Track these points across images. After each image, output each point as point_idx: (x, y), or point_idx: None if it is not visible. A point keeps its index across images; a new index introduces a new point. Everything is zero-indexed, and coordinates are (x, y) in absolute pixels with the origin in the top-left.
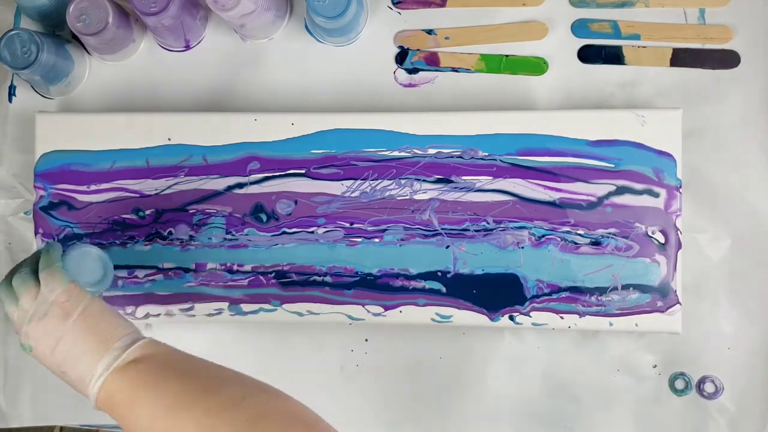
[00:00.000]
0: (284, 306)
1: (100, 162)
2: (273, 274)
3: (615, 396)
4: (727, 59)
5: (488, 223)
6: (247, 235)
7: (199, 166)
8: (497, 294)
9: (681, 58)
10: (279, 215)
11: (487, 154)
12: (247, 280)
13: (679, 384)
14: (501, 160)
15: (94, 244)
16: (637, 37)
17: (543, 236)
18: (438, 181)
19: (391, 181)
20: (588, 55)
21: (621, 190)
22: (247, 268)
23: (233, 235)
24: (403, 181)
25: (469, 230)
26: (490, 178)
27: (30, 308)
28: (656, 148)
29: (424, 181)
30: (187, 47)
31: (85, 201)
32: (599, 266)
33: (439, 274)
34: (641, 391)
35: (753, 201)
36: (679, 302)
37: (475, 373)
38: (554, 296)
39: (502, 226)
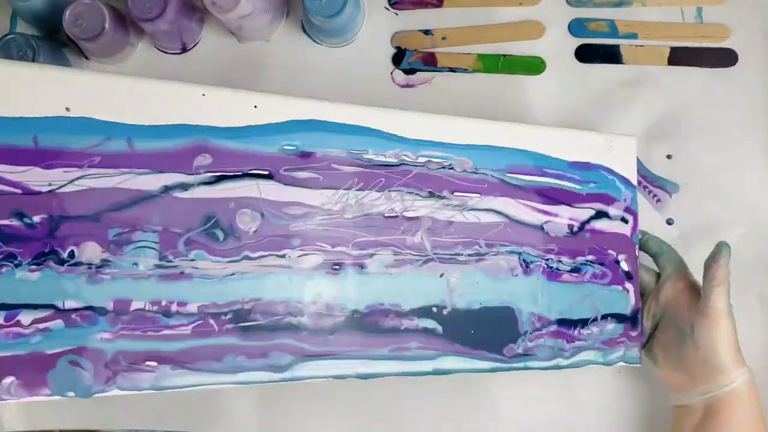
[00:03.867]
0: (242, 374)
1: None
2: (229, 316)
3: (616, 397)
4: (724, 58)
5: (480, 247)
6: (192, 260)
7: (120, 154)
8: (494, 331)
9: (678, 56)
10: (240, 232)
11: (478, 167)
12: (191, 327)
13: None
14: (492, 176)
15: None
16: (634, 36)
17: (531, 263)
18: (430, 195)
19: (379, 194)
20: (585, 54)
21: (599, 215)
22: (192, 308)
23: (170, 261)
24: (393, 194)
25: (461, 255)
26: (480, 195)
27: None
28: (622, 175)
29: (416, 194)
30: (184, 50)
31: None
32: (580, 295)
33: (434, 310)
34: (643, 392)
35: (752, 199)
36: (642, 334)
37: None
38: (544, 330)
39: (494, 250)
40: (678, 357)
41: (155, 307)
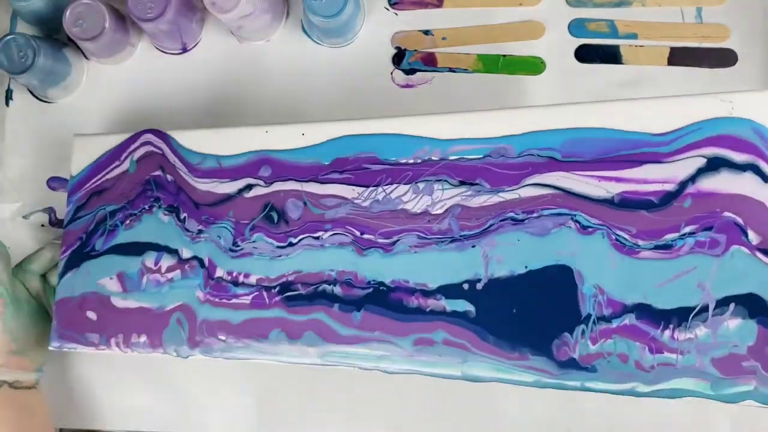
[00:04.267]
0: (283, 355)
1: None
2: (278, 289)
3: (616, 397)
4: (724, 58)
5: (516, 214)
6: (254, 242)
7: (213, 169)
8: (545, 308)
9: (678, 57)
10: (289, 218)
11: (522, 151)
12: (250, 297)
13: None
14: (539, 155)
15: (128, 215)
16: (634, 36)
17: (589, 227)
18: (461, 183)
19: (407, 187)
20: (585, 54)
21: (714, 164)
22: (252, 280)
23: (239, 246)
24: (420, 186)
25: (493, 224)
26: (518, 183)
27: None
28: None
29: (445, 181)
30: (184, 50)
31: (115, 176)
32: (676, 271)
33: (466, 287)
34: None
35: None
36: None
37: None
38: (614, 323)
39: (535, 215)
40: None
41: (229, 277)
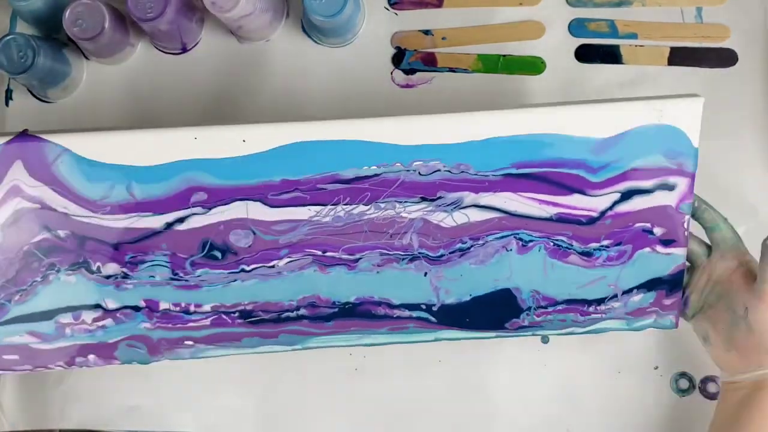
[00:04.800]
0: (262, 347)
1: None
2: (237, 314)
3: (616, 397)
4: (724, 58)
5: (463, 243)
6: (199, 276)
7: (124, 204)
8: (492, 314)
9: (678, 57)
10: (236, 249)
11: (478, 171)
12: (209, 320)
13: (682, 384)
14: (493, 176)
15: (14, 292)
16: (634, 36)
17: (531, 241)
18: (422, 200)
19: (368, 206)
20: (585, 54)
21: (628, 195)
22: (206, 308)
23: (181, 277)
24: (382, 205)
25: (444, 255)
26: (474, 193)
27: None
28: (674, 125)
29: (405, 202)
30: (184, 50)
31: None
32: (590, 278)
33: (424, 306)
34: (643, 391)
35: (751, 200)
36: (681, 300)
37: (474, 376)
38: (550, 309)
39: (480, 242)
40: (730, 337)
41: (177, 308)
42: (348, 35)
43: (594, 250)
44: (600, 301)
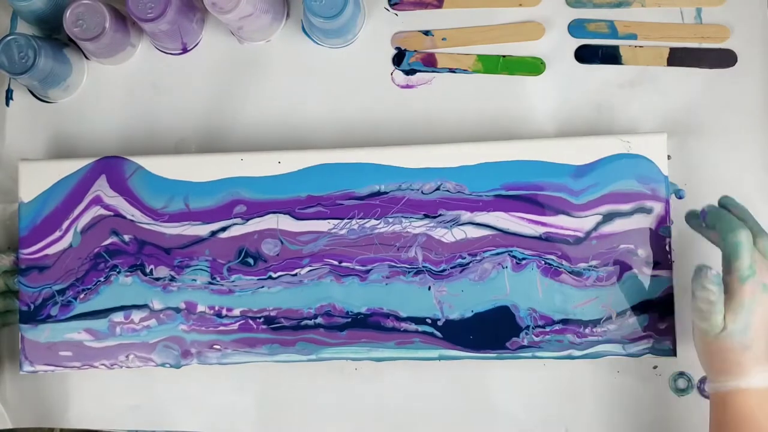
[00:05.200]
0: (281, 355)
1: (80, 176)
2: (262, 320)
3: (615, 397)
4: (723, 58)
5: (463, 258)
6: (233, 281)
7: (180, 213)
8: (494, 331)
9: (678, 57)
10: (266, 257)
11: (472, 192)
12: (237, 324)
13: (681, 384)
14: (485, 196)
15: (80, 290)
16: (633, 36)
17: (524, 259)
18: (425, 216)
19: (378, 221)
20: (585, 55)
21: (609, 217)
22: (236, 312)
23: (218, 281)
24: (391, 220)
25: (446, 270)
26: (470, 212)
27: None
28: (642, 155)
29: (411, 218)
30: (185, 50)
31: (57, 251)
32: (583, 299)
33: (429, 321)
34: (642, 391)
35: (751, 200)
36: (672, 325)
37: (473, 375)
38: (548, 329)
39: (477, 258)
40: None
41: (211, 311)
42: (348, 36)
43: (584, 269)
44: (596, 323)
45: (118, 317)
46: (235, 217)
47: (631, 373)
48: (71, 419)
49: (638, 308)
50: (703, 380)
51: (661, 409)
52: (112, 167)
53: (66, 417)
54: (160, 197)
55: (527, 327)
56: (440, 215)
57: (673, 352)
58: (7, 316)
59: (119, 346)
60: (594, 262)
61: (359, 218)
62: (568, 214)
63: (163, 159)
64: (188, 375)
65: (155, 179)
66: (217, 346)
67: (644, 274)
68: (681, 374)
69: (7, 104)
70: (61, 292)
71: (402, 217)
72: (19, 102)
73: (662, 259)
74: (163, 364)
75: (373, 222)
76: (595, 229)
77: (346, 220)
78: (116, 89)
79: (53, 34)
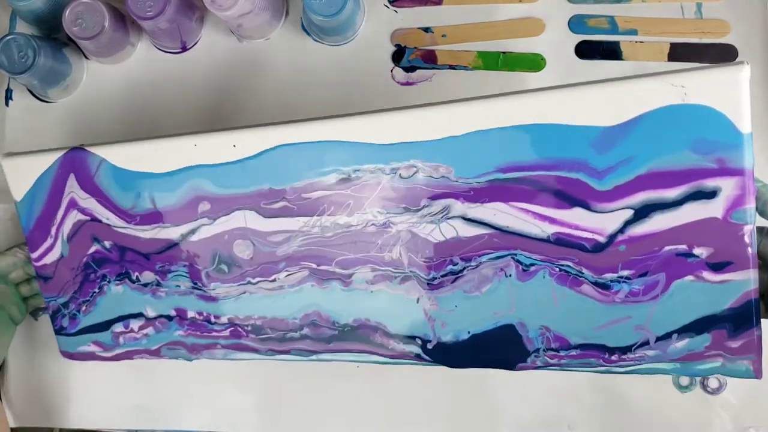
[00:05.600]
0: (281, 356)
1: (53, 173)
2: (249, 328)
3: (617, 393)
4: (724, 53)
5: (454, 264)
6: (213, 289)
7: (150, 213)
8: (497, 356)
9: (679, 52)
10: (240, 261)
11: (459, 177)
12: (228, 331)
13: (683, 380)
14: (476, 183)
15: (81, 302)
16: (634, 32)
17: (532, 264)
18: (405, 210)
19: (351, 216)
20: (585, 50)
21: (643, 213)
22: (224, 320)
23: (200, 287)
24: (365, 216)
25: (436, 278)
26: (461, 201)
27: None
28: (706, 105)
29: (389, 213)
30: (184, 48)
31: (53, 261)
32: (611, 318)
33: (419, 341)
34: (644, 387)
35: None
36: (759, 339)
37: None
38: (563, 353)
39: (472, 263)
40: None
41: (201, 317)
42: (348, 33)
43: (610, 281)
44: (625, 350)
45: (118, 328)
46: (201, 217)
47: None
48: (71, 419)
49: (691, 328)
50: (705, 376)
51: (664, 405)
52: (78, 162)
53: (66, 417)
54: (128, 195)
55: (537, 350)
56: (424, 207)
57: (756, 374)
58: (36, 299)
59: (127, 353)
60: (625, 272)
61: (330, 214)
62: (586, 207)
63: (120, 147)
64: (189, 374)
65: (119, 173)
66: (219, 346)
67: (704, 280)
68: None
69: (7, 104)
70: (65, 305)
71: (377, 211)
72: (19, 102)
73: (736, 255)
74: (175, 357)
75: (347, 219)
76: (621, 230)
77: (315, 218)
78: (116, 88)
79: (52, 33)
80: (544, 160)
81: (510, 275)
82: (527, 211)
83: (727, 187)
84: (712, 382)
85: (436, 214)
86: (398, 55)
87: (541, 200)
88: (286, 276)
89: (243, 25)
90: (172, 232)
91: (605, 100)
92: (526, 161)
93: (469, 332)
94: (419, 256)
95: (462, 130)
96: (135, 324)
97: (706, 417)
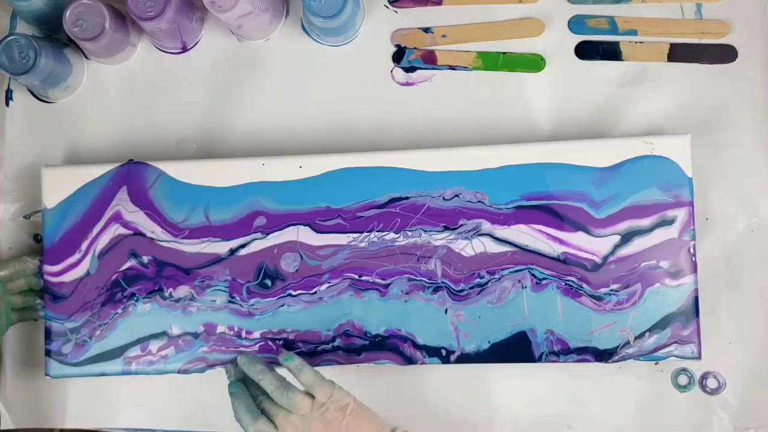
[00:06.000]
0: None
1: (102, 185)
2: (281, 342)
3: (617, 393)
4: (724, 54)
5: (481, 277)
6: (252, 305)
7: (200, 228)
8: (508, 359)
9: (678, 53)
10: (285, 274)
11: (492, 203)
12: (257, 346)
13: (682, 380)
14: (505, 208)
15: (96, 326)
16: (634, 32)
17: (544, 279)
18: (445, 229)
19: (398, 234)
20: (585, 51)
21: (627, 237)
22: (256, 335)
23: (237, 301)
24: (409, 233)
25: (464, 290)
26: (490, 223)
27: (309, 414)
28: (665, 156)
29: (431, 232)
30: (184, 49)
31: (74, 279)
32: (602, 323)
33: (443, 352)
34: (643, 387)
35: (751, 195)
36: (697, 326)
37: (475, 372)
38: (561, 358)
39: (496, 276)
40: None
41: (231, 332)
42: (348, 34)
43: (604, 294)
44: (612, 353)
45: (134, 351)
46: (255, 232)
47: (632, 369)
48: (71, 419)
49: (658, 326)
50: (704, 376)
51: (663, 405)
52: (133, 175)
53: (66, 417)
54: (182, 207)
55: (542, 354)
56: (461, 225)
57: (697, 355)
58: (25, 312)
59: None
60: (615, 286)
61: (379, 230)
62: (587, 232)
63: (186, 164)
64: (189, 376)
65: (178, 185)
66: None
67: (666, 285)
68: (683, 370)
69: (7, 104)
70: (75, 330)
71: (422, 229)
72: (19, 102)
73: (686, 264)
74: (187, 373)
75: (393, 235)
76: (612, 252)
77: (365, 233)
78: (116, 89)
79: (53, 34)
80: (558, 191)
81: (526, 287)
82: (543, 232)
83: (681, 215)
84: (711, 382)
85: (470, 230)
86: (398, 55)
87: (554, 224)
88: (327, 287)
89: (243, 26)
90: (220, 247)
91: (602, 149)
92: (544, 191)
93: (489, 341)
94: (452, 268)
95: (496, 164)
96: (155, 345)
97: (706, 417)
